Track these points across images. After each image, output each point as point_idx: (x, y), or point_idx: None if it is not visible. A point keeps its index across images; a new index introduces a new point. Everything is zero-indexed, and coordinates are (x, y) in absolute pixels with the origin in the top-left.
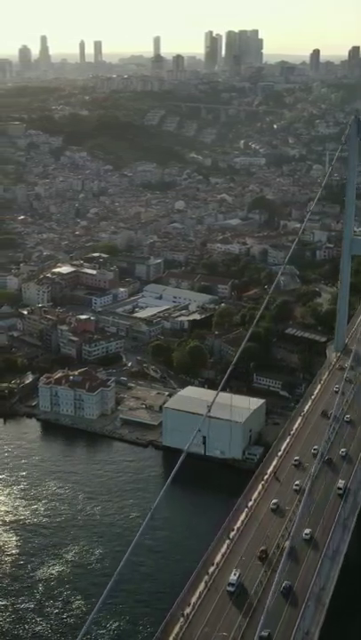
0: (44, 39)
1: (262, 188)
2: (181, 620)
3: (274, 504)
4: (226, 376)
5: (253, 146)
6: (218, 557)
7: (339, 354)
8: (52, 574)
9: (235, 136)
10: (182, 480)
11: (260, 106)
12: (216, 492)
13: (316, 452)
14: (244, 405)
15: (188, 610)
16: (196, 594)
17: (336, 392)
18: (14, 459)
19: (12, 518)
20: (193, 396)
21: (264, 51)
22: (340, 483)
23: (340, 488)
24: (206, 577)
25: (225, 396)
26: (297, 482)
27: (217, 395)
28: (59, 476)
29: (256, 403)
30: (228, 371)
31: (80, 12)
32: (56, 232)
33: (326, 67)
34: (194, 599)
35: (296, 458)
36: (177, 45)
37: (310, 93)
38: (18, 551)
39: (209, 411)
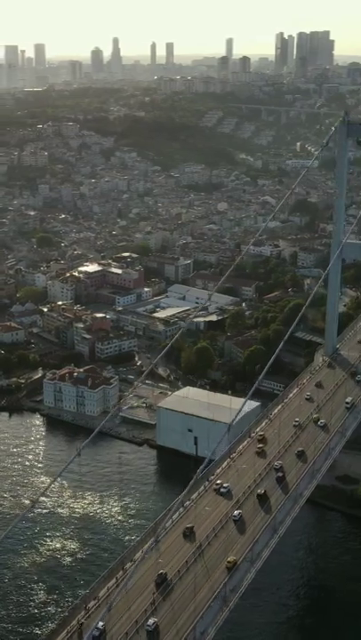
0: (115, 41)
1: (309, 190)
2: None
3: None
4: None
5: (309, 148)
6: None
7: (327, 358)
8: (23, 565)
9: (293, 138)
10: (174, 478)
11: (321, 107)
12: None
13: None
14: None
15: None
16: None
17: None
18: (11, 452)
19: None
20: (189, 396)
21: (337, 52)
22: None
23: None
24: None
25: (222, 398)
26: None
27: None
28: (50, 470)
29: (252, 405)
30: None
31: (155, 15)
32: (94, 231)
33: None
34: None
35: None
36: (250, 47)
37: None
38: None
39: None
